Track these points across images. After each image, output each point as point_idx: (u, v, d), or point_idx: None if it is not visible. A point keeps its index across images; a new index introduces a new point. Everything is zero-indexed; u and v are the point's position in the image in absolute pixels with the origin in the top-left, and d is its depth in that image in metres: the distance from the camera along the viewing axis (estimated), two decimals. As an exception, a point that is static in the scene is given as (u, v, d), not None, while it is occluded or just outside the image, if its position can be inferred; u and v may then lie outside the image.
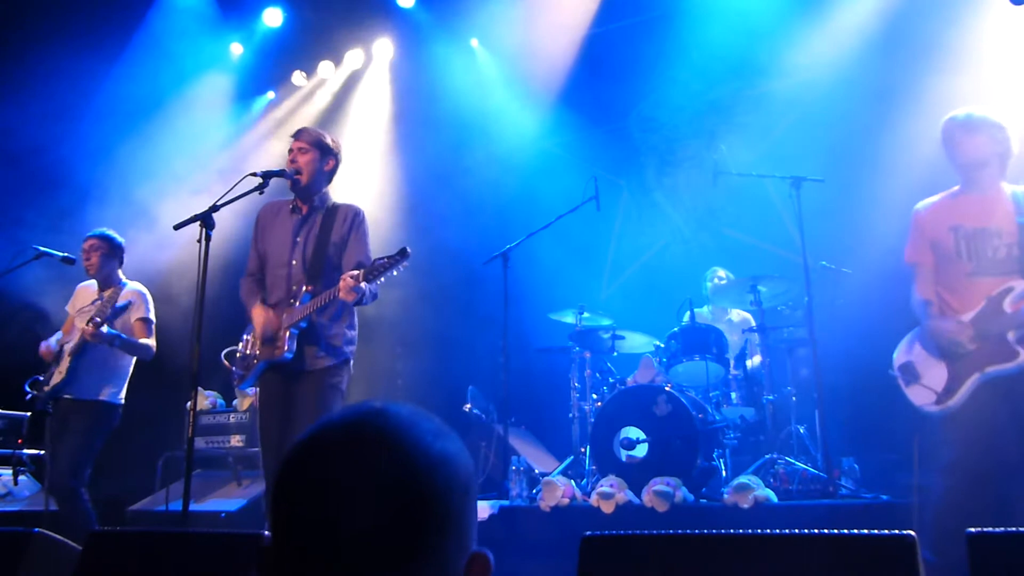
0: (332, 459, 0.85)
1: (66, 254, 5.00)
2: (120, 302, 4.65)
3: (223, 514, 5.19)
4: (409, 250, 3.44)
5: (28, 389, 4.79)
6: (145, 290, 4.97)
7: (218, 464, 6.02)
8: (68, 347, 4.71)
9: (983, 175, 3.48)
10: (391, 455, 0.85)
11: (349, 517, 0.81)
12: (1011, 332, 3.28)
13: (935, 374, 3.46)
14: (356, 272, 3.50)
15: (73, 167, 6.66)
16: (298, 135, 3.95)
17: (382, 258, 3.48)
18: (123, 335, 4.66)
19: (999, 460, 3.24)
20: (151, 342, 4.81)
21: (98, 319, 4.47)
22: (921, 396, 3.50)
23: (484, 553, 0.92)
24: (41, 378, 4.78)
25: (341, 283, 3.51)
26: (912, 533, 1.63)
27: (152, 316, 4.86)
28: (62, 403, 4.68)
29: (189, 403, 3.57)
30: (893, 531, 1.58)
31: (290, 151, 3.93)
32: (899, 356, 3.70)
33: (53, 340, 4.92)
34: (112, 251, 4.91)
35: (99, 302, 4.68)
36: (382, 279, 3.49)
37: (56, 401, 4.70)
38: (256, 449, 5.77)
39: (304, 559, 0.83)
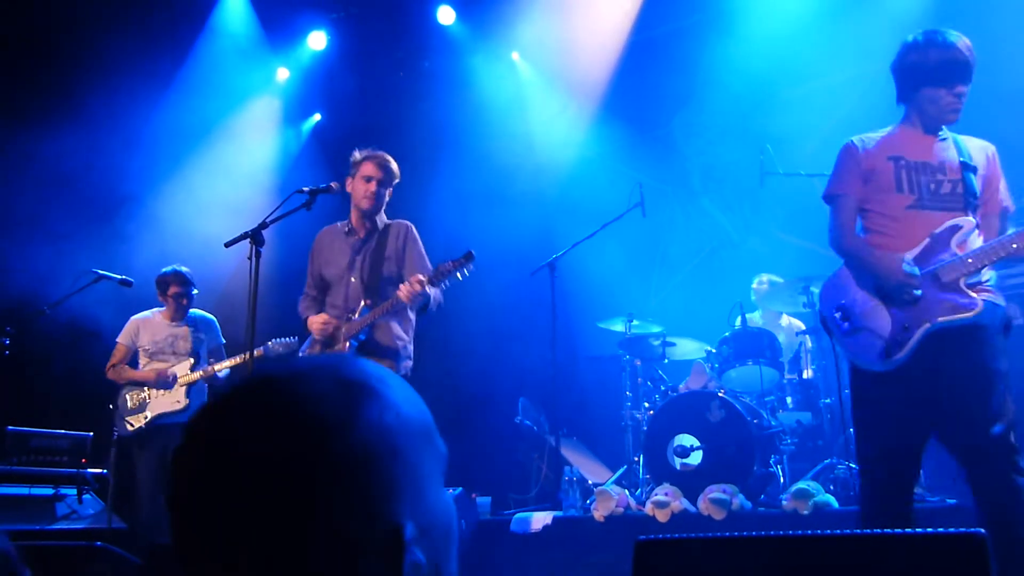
0: (211, 430, 0.80)
1: (124, 277, 5.17)
2: (206, 336, 5.24)
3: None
4: (474, 253, 3.47)
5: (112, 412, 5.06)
6: (213, 317, 5.36)
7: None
8: (180, 382, 5.04)
9: (936, 105, 3.01)
10: (265, 425, 0.78)
11: (218, 492, 0.77)
12: (963, 278, 2.83)
13: (878, 322, 2.93)
14: (422, 276, 3.56)
15: (127, 191, 6.87)
16: (380, 168, 4.01)
17: (447, 262, 3.52)
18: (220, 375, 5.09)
19: (932, 417, 2.83)
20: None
21: (208, 363, 5.07)
22: (865, 348, 2.94)
23: (398, 526, 0.79)
24: (114, 406, 5.05)
25: (403, 287, 3.57)
26: (983, 531, 1.56)
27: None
28: (168, 429, 4.95)
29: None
30: (962, 529, 1.52)
31: (368, 178, 3.99)
32: (830, 297, 3.15)
33: (126, 368, 5.14)
34: (191, 289, 5.23)
35: (195, 343, 5.16)
36: (447, 283, 3.53)
37: (155, 428, 4.97)
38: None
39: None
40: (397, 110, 8.00)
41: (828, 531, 1.56)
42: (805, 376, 5.40)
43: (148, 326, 5.19)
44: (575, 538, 4.56)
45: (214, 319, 5.30)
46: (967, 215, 2.91)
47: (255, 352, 4.92)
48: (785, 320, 6.10)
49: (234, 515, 0.76)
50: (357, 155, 4.06)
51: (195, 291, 5.22)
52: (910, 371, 2.86)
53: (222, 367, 4.97)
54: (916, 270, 2.88)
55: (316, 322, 3.91)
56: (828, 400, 5.11)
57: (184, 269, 5.20)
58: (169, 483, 0.81)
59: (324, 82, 8.15)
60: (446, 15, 7.65)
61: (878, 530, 1.51)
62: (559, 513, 4.79)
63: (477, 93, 7.72)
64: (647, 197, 5.67)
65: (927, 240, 2.92)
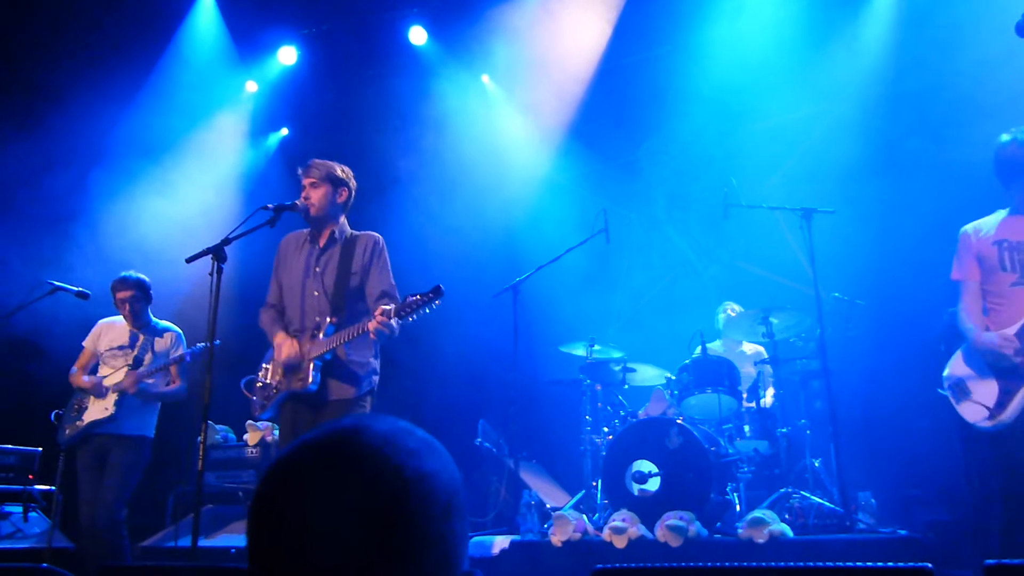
0: (299, 487, 0.83)
1: (80, 289, 5.06)
2: (160, 349, 5.00)
3: (233, 550, 5.15)
4: (443, 288, 3.41)
5: (55, 421, 4.89)
6: (180, 331, 5.18)
7: (229, 499, 5.99)
8: (112, 384, 4.84)
9: None
10: (359, 479, 0.82)
11: (315, 549, 0.79)
12: None
13: (986, 390, 3.45)
14: (388, 308, 3.48)
15: (85, 202, 6.75)
16: (307, 170, 3.96)
17: (415, 295, 3.44)
18: (160, 390, 4.93)
19: None
20: (183, 384, 5.02)
21: (142, 376, 4.80)
22: (973, 412, 3.47)
23: (472, 574, 0.89)
24: (60, 412, 4.87)
25: (373, 322, 3.49)
26: (930, 566, 1.60)
27: (181, 354, 5.00)
28: (99, 439, 4.80)
29: (200, 437, 3.57)
30: (911, 563, 1.56)
31: (302, 187, 3.96)
32: (949, 373, 3.68)
33: (82, 373, 4.98)
34: (146, 296, 5.06)
35: (141, 350, 4.93)
36: (414, 317, 3.47)
37: (88, 436, 4.81)
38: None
39: None
40: (365, 128, 7.99)
41: (783, 563, 1.58)
42: (764, 404, 5.47)
43: (110, 331, 5.07)
44: (532, 563, 4.54)
45: (179, 332, 5.15)
46: None
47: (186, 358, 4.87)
48: (747, 347, 6.18)
49: (328, 567, 0.79)
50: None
51: (143, 295, 4.98)
52: (1018, 429, 3.32)
53: (140, 376, 4.77)
54: (1015, 342, 3.36)
55: (282, 347, 3.77)
56: (785, 429, 5.18)
57: (132, 275, 4.99)
58: (256, 530, 0.84)
59: (293, 97, 8.13)
60: (418, 35, 7.69)
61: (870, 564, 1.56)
62: (517, 537, 4.77)
63: (446, 114, 7.74)
64: (612, 223, 5.72)
65: None
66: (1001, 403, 3.37)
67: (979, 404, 3.45)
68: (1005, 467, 3.37)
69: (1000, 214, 3.68)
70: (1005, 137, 3.59)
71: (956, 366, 3.65)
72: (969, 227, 3.72)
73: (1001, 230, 3.60)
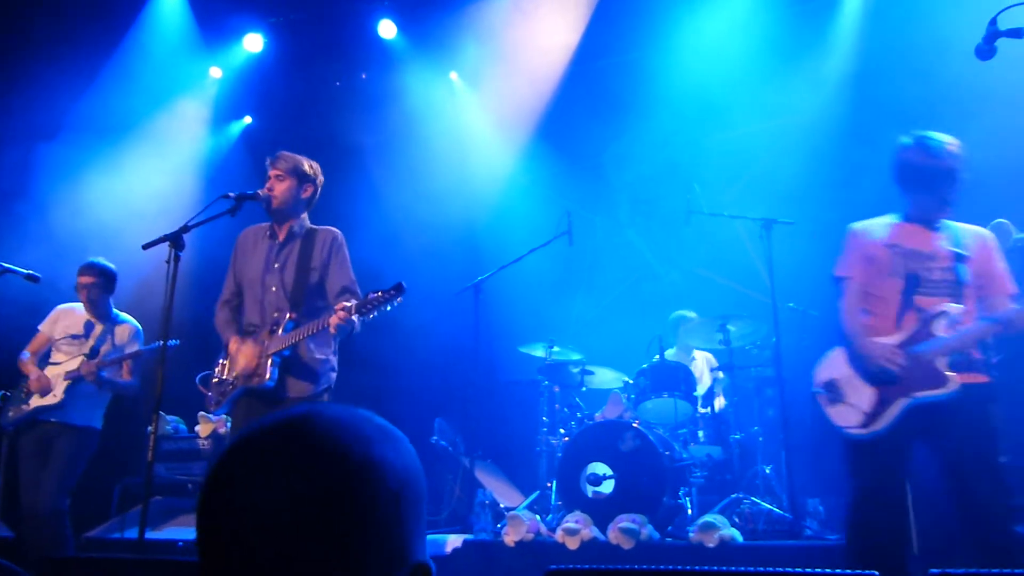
0: (245, 469, 0.83)
1: (30, 272, 4.91)
2: (119, 341, 4.89)
3: (180, 543, 5.06)
4: (405, 285, 3.38)
5: (0, 403, 4.77)
6: (139, 326, 5.07)
7: (178, 491, 5.88)
8: (64, 372, 4.73)
9: (927, 203, 3.32)
10: (304, 462, 0.82)
11: (257, 530, 0.79)
12: (941, 359, 3.12)
13: (862, 395, 3.25)
14: (349, 304, 3.43)
15: (45, 183, 6.58)
16: (275, 162, 3.88)
17: (376, 292, 3.39)
18: (116, 381, 4.81)
19: (920, 489, 3.21)
20: (135, 380, 4.93)
21: (102, 364, 4.69)
22: (846, 417, 3.28)
23: (426, 565, 0.87)
24: (7, 394, 4.75)
25: (333, 316, 3.45)
26: (876, 573, 1.64)
27: (139, 350, 4.91)
28: (45, 426, 4.70)
29: (150, 427, 3.50)
30: (857, 571, 1.59)
31: (267, 177, 3.89)
32: (822, 373, 3.47)
33: (34, 360, 4.85)
34: (107, 284, 4.94)
35: (98, 340, 4.82)
36: (375, 314, 3.43)
37: (33, 422, 4.70)
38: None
39: None
40: (330, 120, 7.91)
41: (732, 568, 1.61)
42: (717, 409, 5.54)
43: (67, 317, 4.95)
44: (485, 562, 4.54)
45: (138, 327, 5.03)
46: (955, 301, 3.18)
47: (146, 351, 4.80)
48: (702, 354, 6.25)
49: (273, 553, 0.78)
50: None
51: (103, 284, 4.86)
52: (892, 442, 3.16)
53: (100, 365, 4.67)
54: (900, 353, 3.17)
55: (236, 353, 3.71)
56: (738, 436, 5.25)
57: (97, 261, 4.88)
58: (203, 518, 0.83)
59: (257, 85, 8.01)
60: (387, 29, 7.63)
61: (819, 570, 1.57)
62: (470, 536, 4.76)
63: (412, 110, 7.70)
64: (574, 226, 5.75)
65: (916, 324, 3.19)
66: (877, 412, 3.19)
67: (854, 408, 3.25)
68: (876, 468, 3.19)
69: (890, 218, 3.45)
70: (907, 140, 3.34)
71: (833, 367, 3.42)
72: (859, 226, 3.47)
73: (894, 234, 3.36)
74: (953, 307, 3.16)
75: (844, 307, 3.40)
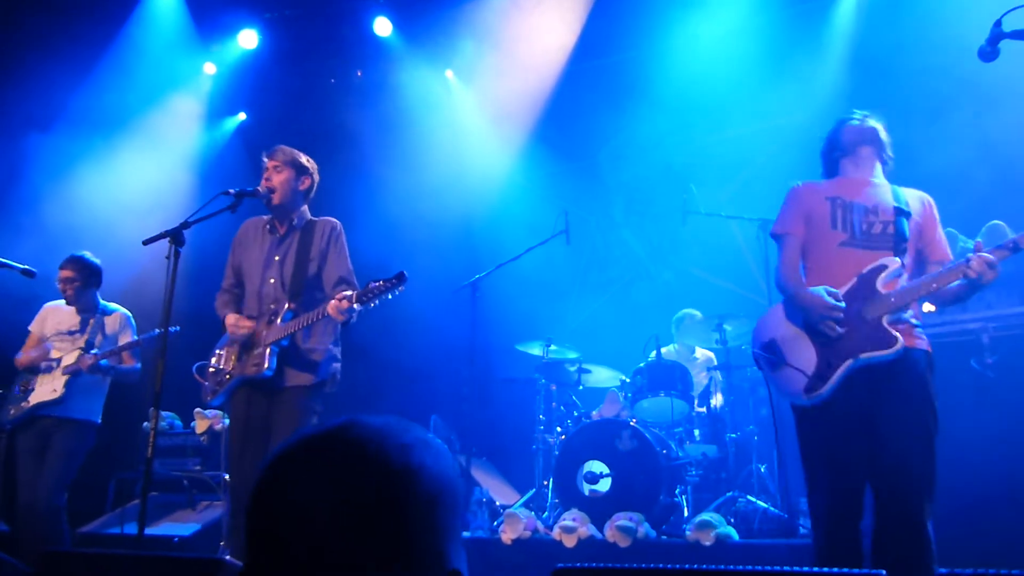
0: (292, 477, 0.86)
1: (26, 267, 4.88)
2: (110, 331, 4.88)
3: (176, 539, 5.05)
4: (406, 274, 3.39)
5: None
6: (129, 313, 5.06)
7: (173, 487, 5.86)
8: (62, 367, 4.72)
9: (865, 156, 3.24)
10: (345, 469, 0.85)
11: (301, 535, 0.82)
12: (885, 316, 2.92)
13: (804, 355, 3.01)
14: (349, 293, 3.46)
15: (41, 176, 6.55)
16: (272, 154, 3.93)
17: (378, 281, 3.42)
18: (117, 367, 4.81)
19: (867, 454, 2.88)
20: (137, 364, 4.94)
21: (96, 352, 4.69)
22: (790, 382, 3.02)
23: (460, 573, 0.90)
24: (3, 392, 4.74)
25: (332, 303, 3.47)
26: (883, 572, 1.64)
27: (138, 339, 4.90)
28: (44, 421, 4.68)
29: (147, 423, 3.49)
30: (856, 570, 1.60)
31: (264, 170, 3.91)
32: (761, 333, 3.23)
33: (22, 354, 4.85)
34: (88, 279, 4.90)
35: (92, 333, 4.80)
36: (375, 302, 3.44)
37: (33, 419, 4.69)
38: (213, 473, 5.65)
39: None
40: (325, 117, 7.90)
41: (729, 567, 1.62)
42: (714, 407, 5.56)
43: (55, 314, 4.93)
44: (482, 560, 4.55)
45: (128, 315, 5.03)
46: (896, 256, 3.02)
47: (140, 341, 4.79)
48: (699, 352, 6.27)
49: (315, 555, 0.82)
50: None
51: (84, 278, 4.82)
52: (838, 407, 2.91)
53: (98, 357, 4.67)
54: (842, 304, 2.95)
55: (234, 324, 3.76)
56: (734, 435, 5.27)
57: (79, 255, 4.87)
58: (251, 520, 0.87)
59: (252, 81, 7.98)
60: (383, 26, 7.61)
61: (815, 568, 1.57)
62: (467, 534, 4.77)
63: (407, 108, 7.69)
64: (571, 225, 5.76)
65: (855, 278, 3.00)
66: (822, 375, 2.93)
67: (797, 370, 2.99)
68: (830, 435, 2.93)
69: (831, 178, 3.34)
70: (855, 120, 3.28)
71: (771, 325, 3.18)
72: (800, 182, 3.33)
73: (834, 187, 3.22)
74: (893, 261, 3.00)
75: (781, 263, 3.21)
